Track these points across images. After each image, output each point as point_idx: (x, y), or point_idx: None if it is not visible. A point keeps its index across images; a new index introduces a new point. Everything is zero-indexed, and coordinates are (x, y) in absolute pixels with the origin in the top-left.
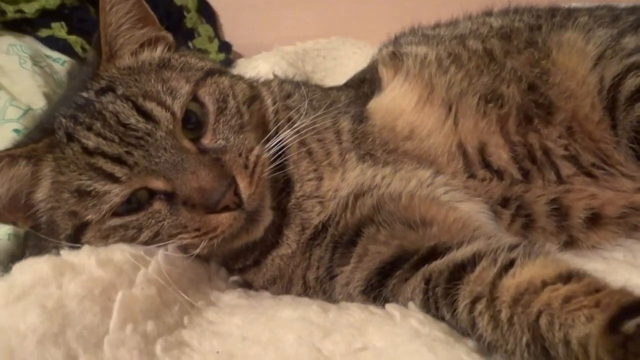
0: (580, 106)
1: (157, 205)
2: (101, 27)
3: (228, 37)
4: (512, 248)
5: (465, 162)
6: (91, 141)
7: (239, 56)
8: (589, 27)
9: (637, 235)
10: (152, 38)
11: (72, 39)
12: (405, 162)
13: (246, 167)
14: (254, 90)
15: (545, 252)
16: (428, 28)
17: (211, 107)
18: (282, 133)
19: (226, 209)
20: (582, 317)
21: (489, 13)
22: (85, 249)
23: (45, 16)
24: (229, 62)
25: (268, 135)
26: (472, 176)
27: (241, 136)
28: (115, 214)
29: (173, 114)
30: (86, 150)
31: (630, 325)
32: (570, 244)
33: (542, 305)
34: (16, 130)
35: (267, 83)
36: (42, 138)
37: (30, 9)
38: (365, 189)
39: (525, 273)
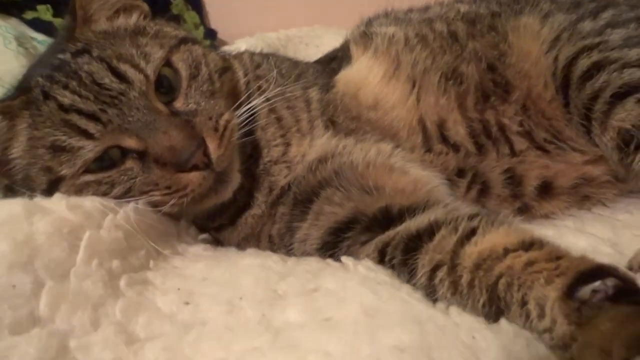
0: (534, 85)
1: (130, 163)
2: None
3: (213, 24)
4: (472, 217)
5: (424, 137)
6: (67, 98)
7: (224, 43)
8: (545, 12)
9: (587, 205)
10: (127, 5)
11: (58, 21)
12: (368, 132)
13: (216, 130)
14: (225, 62)
15: (507, 222)
16: (400, 12)
17: (184, 72)
18: (252, 100)
19: (195, 168)
20: (541, 280)
21: (459, 0)
22: (57, 195)
23: None
24: (213, 49)
25: (239, 102)
26: (429, 150)
27: (212, 102)
28: (89, 170)
29: (146, 76)
30: (62, 107)
31: (585, 291)
32: (524, 211)
33: (503, 269)
34: None
35: (238, 56)
36: (19, 96)
37: None
38: (329, 155)
39: (488, 241)
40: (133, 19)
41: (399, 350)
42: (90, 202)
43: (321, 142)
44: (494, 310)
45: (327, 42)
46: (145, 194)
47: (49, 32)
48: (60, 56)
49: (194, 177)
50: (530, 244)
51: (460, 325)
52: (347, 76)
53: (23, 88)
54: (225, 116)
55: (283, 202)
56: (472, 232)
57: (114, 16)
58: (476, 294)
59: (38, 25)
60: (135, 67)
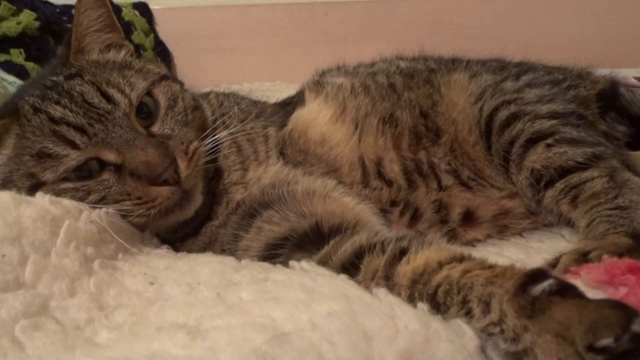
0: (460, 131)
1: (106, 175)
2: (73, 25)
3: (181, 76)
4: (400, 239)
5: (363, 173)
6: (58, 112)
7: None
8: (474, 72)
9: (507, 234)
10: (116, 43)
11: (29, 65)
12: (314, 165)
13: (186, 153)
14: (196, 102)
15: (436, 242)
16: (350, 66)
17: (163, 103)
18: (218, 133)
19: (166, 183)
20: (481, 280)
21: (400, 57)
22: (39, 193)
23: (5, 42)
24: None
25: (205, 134)
26: (366, 186)
27: (184, 130)
28: (68, 179)
29: (130, 101)
30: (52, 119)
31: (537, 289)
32: (451, 237)
33: (441, 279)
34: None
35: (205, 96)
36: (7, 114)
37: None
38: (279, 182)
39: (420, 258)
40: (121, 54)
41: (329, 315)
42: (69, 202)
43: (275, 170)
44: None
45: (288, 96)
46: (118, 203)
47: (19, 74)
48: (54, 78)
49: (163, 190)
50: (461, 258)
51: (382, 301)
52: (299, 115)
53: (14, 108)
54: (195, 143)
55: (236, 213)
56: (403, 252)
57: (105, 50)
58: (416, 305)
59: (10, 67)
60: (122, 92)
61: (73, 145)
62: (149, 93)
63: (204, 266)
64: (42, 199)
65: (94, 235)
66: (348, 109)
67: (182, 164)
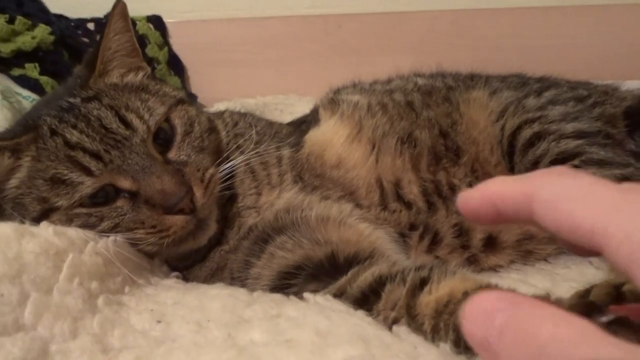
0: (481, 150)
1: (121, 202)
2: (101, 49)
3: (194, 89)
4: (419, 268)
5: (381, 195)
6: (74, 137)
7: (203, 107)
8: (494, 88)
9: (531, 260)
10: (136, 66)
11: (44, 79)
12: (330, 189)
13: (202, 180)
14: (211, 123)
15: (460, 271)
16: (366, 84)
17: (180, 128)
18: (232, 159)
19: (181, 212)
20: None
21: (418, 74)
22: (44, 223)
23: (20, 57)
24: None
25: (220, 159)
26: (384, 208)
27: (200, 156)
28: (83, 204)
29: (148, 127)
30: (68, 144)
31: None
32: (472, 262)
33: None
34: None
35: (219, 115)
36: (26, 132)
37: (6, 49)
38: (293, 207)
39: (443, 287)
40: (139, 76)
41: None
42: (74, 232)
43: (288, 196)
44: (462, 346)
45: (300, 109)
46: (131, 231)
47: (34, 89)
48: (71, 100)
49: (178, 220)
50: (487, 286)
51: (404, 340)
52: (314, 137)
53: (29, 126)
54: (211, 170)
55: (247, 238)
56: (424, 282)
57: (125, 73)
58: (442, 336)
59: (24, 81)
60: (140, 118)
61: (88, 172)
62: (166, 118)
63: (214, 300)
64: (46, 230)
65: (100, 268)
66: (365, 128)
67: (198, 192)
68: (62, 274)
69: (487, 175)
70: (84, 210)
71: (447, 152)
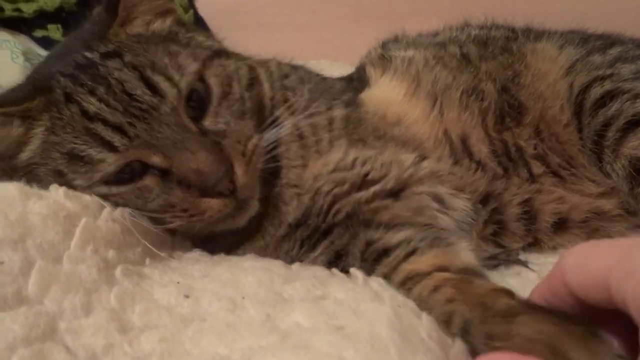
0: (549, 107)
1: (149, 180)
2: None
3: None
4: (424, 238)
5: (451, 149)
6: (92, 105)
7: None
8: (561, 42)
9: (596, 237)
10: (164, 9)
11: None
12: (389, 146)
13: (244, 154)
14: (252, 72)
15: (445, 244)
16: (410, 37)
17: (216, 89)
18: (278, 123)
19: (220, 194)
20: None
21: (469, 24)
22: (54, 185)
23: (42, 17)
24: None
25: (266, 124)
26: (457, 162)
27: (241, 122)
28: (105, 182)
29: (179, 90)
30: (85, 114)
31: None
32: (534, 244)
33: (414, 297)
34: None
35: (264, 63)
36: (37, 95)
37: (28, 9)
38: (341, 179)
39: (420, 262)
40: (167, 23)
41: None
42: (89, 197)
43: (336, 158)
44: None
45: (332, 75)
46: (158, 213)
47: None
48: (87, 54)
49: (215, 203)
50: (444, 269)
51: None
52: (374, 96)
53: (40, 86)
54: (254, 139)
55: (288, 240)
56: (413, 252)
57: (152, 20)
58: None
59: (47, 43)
60: (169, 79)
61: (111, 147)
62: (199, 77)
63: (248, 274)
64: (55, 191)
65: (117, 236)
66: (422, 83)
67: (239, 170)
68: (74, 240)
69: (555, 136)
70: (104, 189)
71: (509, 110)
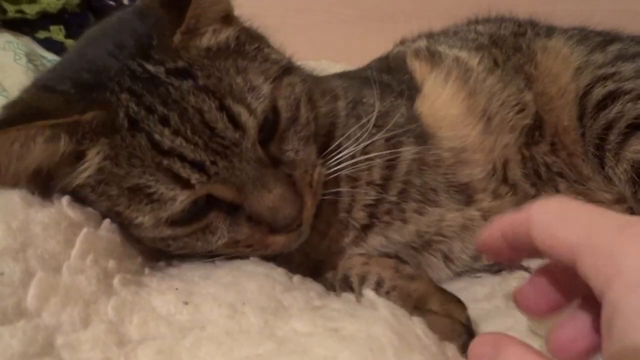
0: (560, 118)
1: (214, 216)
2: None
3: None
4: None
5: (495, 183)
6: (167, 139)
7: None
8: (573, 40)
9: None
10: (226, 14)
11: (69, 42)
12: (441, 199)
13: (311, 185)
14: (310, 94)
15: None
16: (434, 34)
17: (284, 114)
18: (344, 148)
19: (289, 230)
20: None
21: (475, 20)
22: (57, 194)
23: (45, 19)
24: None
25: (329, 150)
26: (496, 197)
27: (308, 149)
28: (170, 222)
29: (256, 119)
30: (157, 148)
31: None
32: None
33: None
34: None
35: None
36: (87, 106)
37: (31, 10)
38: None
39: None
40: (232, 31)
41: None
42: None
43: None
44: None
45: None
46: (222, 249)
47: (59, 52)
48: (149, 67)
49: (282, 238)
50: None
51: None
52: (437, 113)
53: (91, 96)
54: (318, 169)
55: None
56: None
57: (218, 29)
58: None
59: (49, 44)
60: (248, 108)
61: (185, 184)
62: (272, 100)
63: (250, 279)
64: (59, 200)
65: (117, 247)
66: (479, 96)
67: (308, 203)
68: (74, 250)
69: (566, 149)
70: (168, 231)
71: (535, 123)
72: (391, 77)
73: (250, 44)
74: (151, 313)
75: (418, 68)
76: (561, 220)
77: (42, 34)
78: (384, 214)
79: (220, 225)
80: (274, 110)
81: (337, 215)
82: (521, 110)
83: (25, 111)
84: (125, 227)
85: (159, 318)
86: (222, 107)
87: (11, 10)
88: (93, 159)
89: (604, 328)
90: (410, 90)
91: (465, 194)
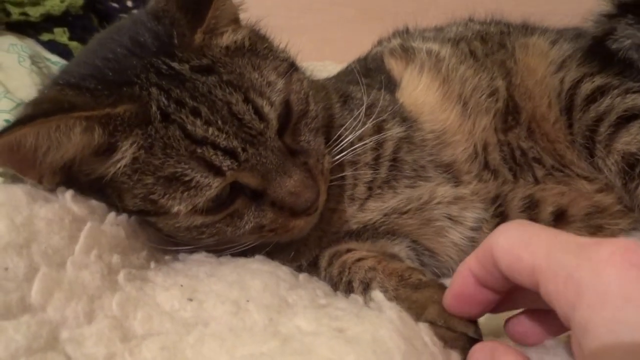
0: (538, 106)
1: (240, 203)
2: None
3: None
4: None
5: (478, 165)
6: (199, 129)
7: None
8: (554, 37)
9: (601, 235)
10: (237, 15)
11: (73, 44)
12: (431, 175)
13: (322, 173)
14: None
15: (377, 240)
16: (422, 30)
17: (295, 107)
18: (344, 136)
19: (308, 214)
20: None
21: (471, 19)
22: (61, 188)
23: (49, 21)
24: None
25: (333, 139)
26: (480, 179)
27: (318, 139)
28: (201, 211)
29: (276, 111)
30: (190, 138)
31: None
32: None
33: (339, 264)
34: (7, 121)
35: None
36: (118, 100)
37: (35, 13)
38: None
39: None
40: (245, 32)
41: None
42: (96, 201)
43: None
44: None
45: None
46: (243, 236)
47: (63, 54)
48: (174, 65)
49: (300, 222)
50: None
51: None
52: (416, 101)
53: (121, 92)
54: (327, 157)
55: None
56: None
57: (235, 29)
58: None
59: (53, 46)
60: (268, 100)
61: (217, 172)
62: (286, 94)
63: (255, 276)
64: (62, 195)
65: (122, 241)
66: (453, 83)
67: (322, 189)
68: (78, 245)
69: (545, 136)
70: (199, 219)
71: (509, 108)
72: (370, 79)
73: (261, 43)
74: (155, 309)
75: (395, 66)
76: (520, 242)
77: (46, 37)
78: (377, 187)
79: (246, 211)
80: (287, 104)
81: (344, 195)
82: (492, 94)
83: (59, 105)
84: (156, 221)
85: (163, 314)
86: (247, 100)
87: (15, 12)
88: (128, 150)
89: (575, 349)
90: (390, 85)
91: (451, 174)
